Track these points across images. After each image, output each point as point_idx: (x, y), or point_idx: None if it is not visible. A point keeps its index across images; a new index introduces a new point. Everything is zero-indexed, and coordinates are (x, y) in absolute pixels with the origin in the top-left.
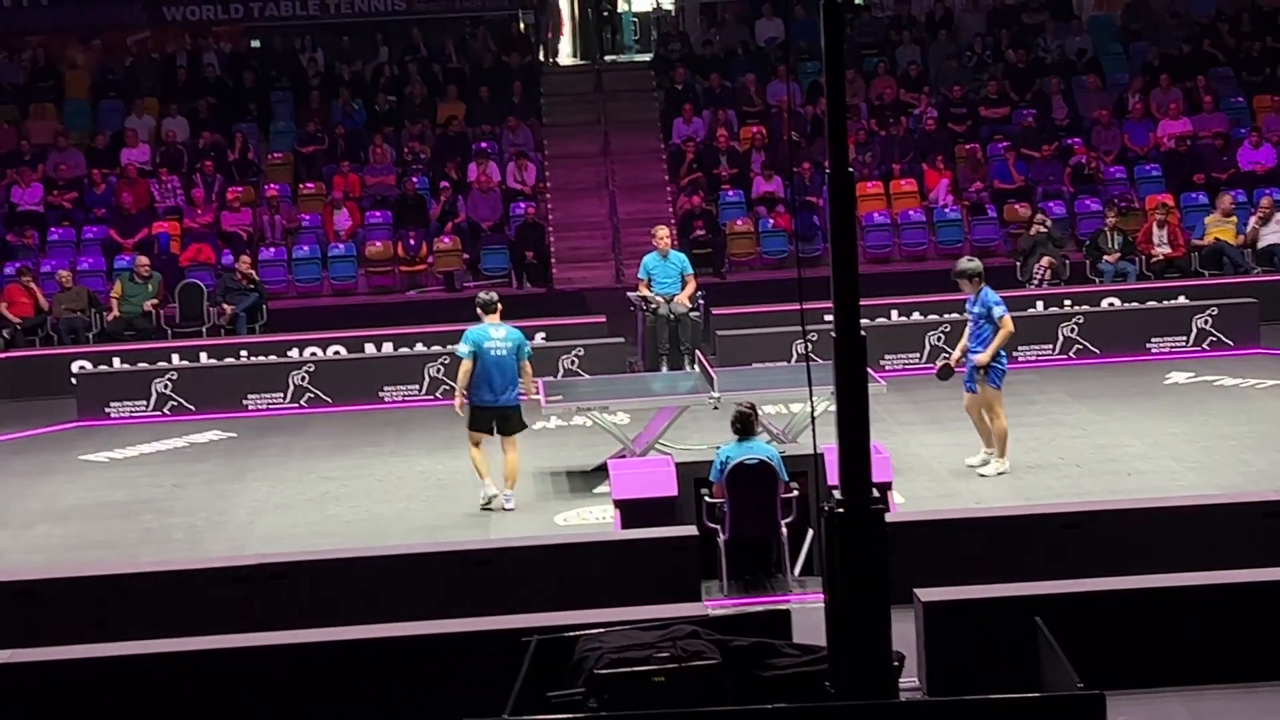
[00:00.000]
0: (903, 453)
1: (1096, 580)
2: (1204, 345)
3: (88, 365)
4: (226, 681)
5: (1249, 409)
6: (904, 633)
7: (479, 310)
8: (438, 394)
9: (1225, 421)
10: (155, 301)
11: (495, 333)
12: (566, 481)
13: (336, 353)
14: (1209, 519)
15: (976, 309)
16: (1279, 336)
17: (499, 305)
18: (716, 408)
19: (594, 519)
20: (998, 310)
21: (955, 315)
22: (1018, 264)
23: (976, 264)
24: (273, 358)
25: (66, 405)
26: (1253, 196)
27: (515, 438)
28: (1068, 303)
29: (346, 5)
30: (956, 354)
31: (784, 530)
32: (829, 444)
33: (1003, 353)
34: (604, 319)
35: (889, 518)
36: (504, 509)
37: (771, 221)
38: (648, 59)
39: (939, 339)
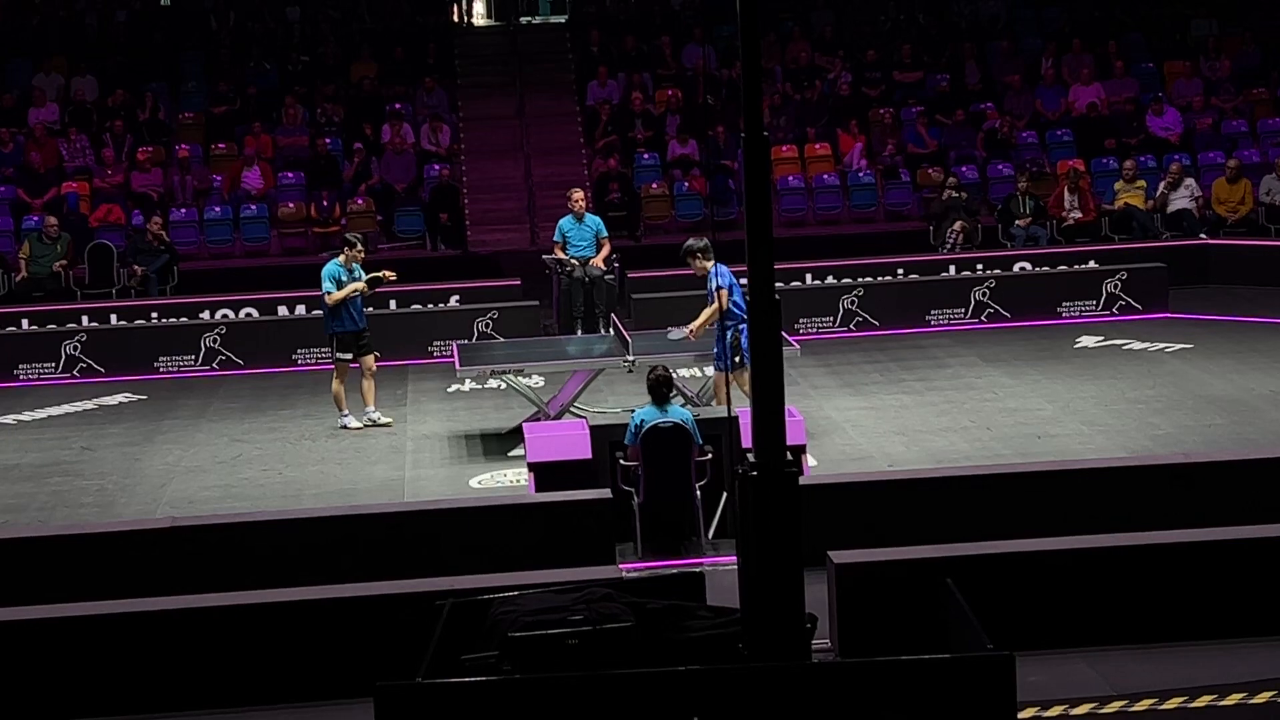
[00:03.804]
0: (816, 416)
1: (1006, 542)
2: (1114, 309)
3: None
4: (137, 645)
5: (1157, 373)
6: (817, 595)
7: None
8: None
9: (1133, 385)
10: (64, 262)
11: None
12: (481, 444)
13: (249, 315)
14: (1117, 482)
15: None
16: (1187, 301)
17: (348, 248)
18: (631, 371)
19: (508, 482)
20: (714, 282)
21: (869, 279)
22: (931, 228)
23: (692, 241)
24: (184, 319)
25: None
26: (1163, 162)
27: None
28: (979, 267)
29: None
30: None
31: (698, 493)
32: (743, 407)
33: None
34: (519, 282)
35: (802, 480)
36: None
37: (687, 185)
38: (563, 20)
39: (853, 303)
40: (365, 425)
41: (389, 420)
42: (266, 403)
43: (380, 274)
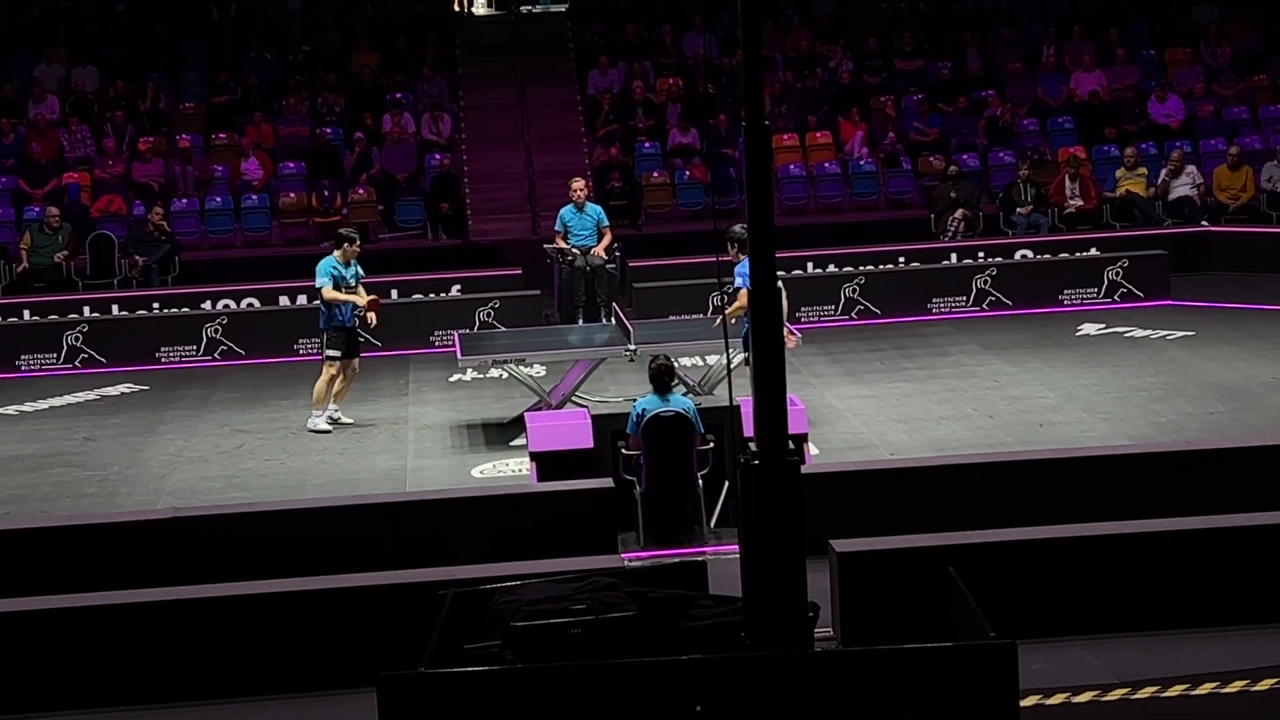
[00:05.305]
0: (818, 405)
1: (1009, 530)
2: (1115, 297)
3: None
4: (139, 636)
5: (1158, 360)
6: (819, 583)
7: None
8: None
9: (1135, 373)
10: (65, 253)
11: None
12: (483, 434)
13: (250, 305)
14: (1119, 469)
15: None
16: (1189, 288)
17: (347, 244)
18: (632, 360)
19: (511, 471)
20: (739, 281)
21: (870, 267)
22: (932, 217)
23: (740, 229)
24: (185, 310)
25: None
26: (1164, 149)
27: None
28: (981, 255)
29: None
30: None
31: (700, 482)
32: (745, 396)
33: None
34: (520, 271)
35: (804, 469)
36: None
37: (688, 173)
38: (563, 9)
39: (854, 291)
40: (328, 422)
41: (350, 420)
42: (268, 393)
43: (368, 311)
